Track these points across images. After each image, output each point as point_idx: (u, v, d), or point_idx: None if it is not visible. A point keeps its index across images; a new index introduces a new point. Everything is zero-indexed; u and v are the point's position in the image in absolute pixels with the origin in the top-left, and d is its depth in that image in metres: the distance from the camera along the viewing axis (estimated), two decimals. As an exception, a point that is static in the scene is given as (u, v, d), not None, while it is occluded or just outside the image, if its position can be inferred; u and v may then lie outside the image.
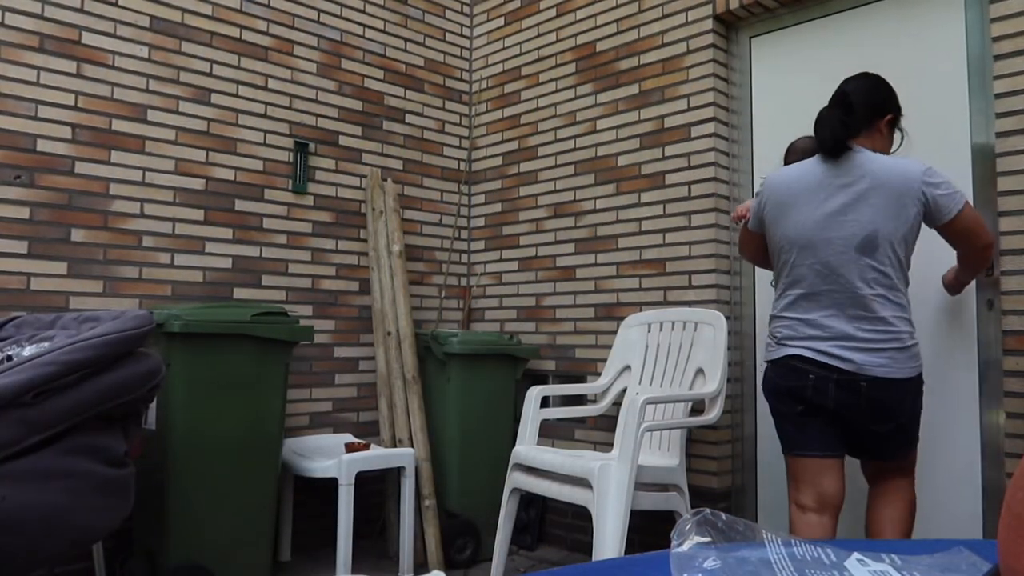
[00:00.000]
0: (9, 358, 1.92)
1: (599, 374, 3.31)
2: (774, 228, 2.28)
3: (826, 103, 2.29)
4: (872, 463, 2.29)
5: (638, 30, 3.41)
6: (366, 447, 3.11)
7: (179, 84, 3.10)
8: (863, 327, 2.10)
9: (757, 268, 3.18)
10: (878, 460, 2.26)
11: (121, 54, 2.95)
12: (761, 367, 3.17)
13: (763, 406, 3.16)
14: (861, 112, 2.22)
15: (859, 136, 2.22)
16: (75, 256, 2.82)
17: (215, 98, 3.19)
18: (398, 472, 3.10)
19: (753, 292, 3.19)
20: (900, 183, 2.10)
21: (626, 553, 2.45)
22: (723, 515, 0.77)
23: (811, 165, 2.24)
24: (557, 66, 3.73)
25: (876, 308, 2.09)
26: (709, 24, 3.17)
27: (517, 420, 3.16)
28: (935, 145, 2.68)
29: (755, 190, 2.44)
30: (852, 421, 2.15)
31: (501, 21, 4.02)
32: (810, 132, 2.29)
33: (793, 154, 2.66)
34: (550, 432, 3.50)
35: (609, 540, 2.42)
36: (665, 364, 3.03)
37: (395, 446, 3.25)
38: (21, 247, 2.71)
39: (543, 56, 3.79)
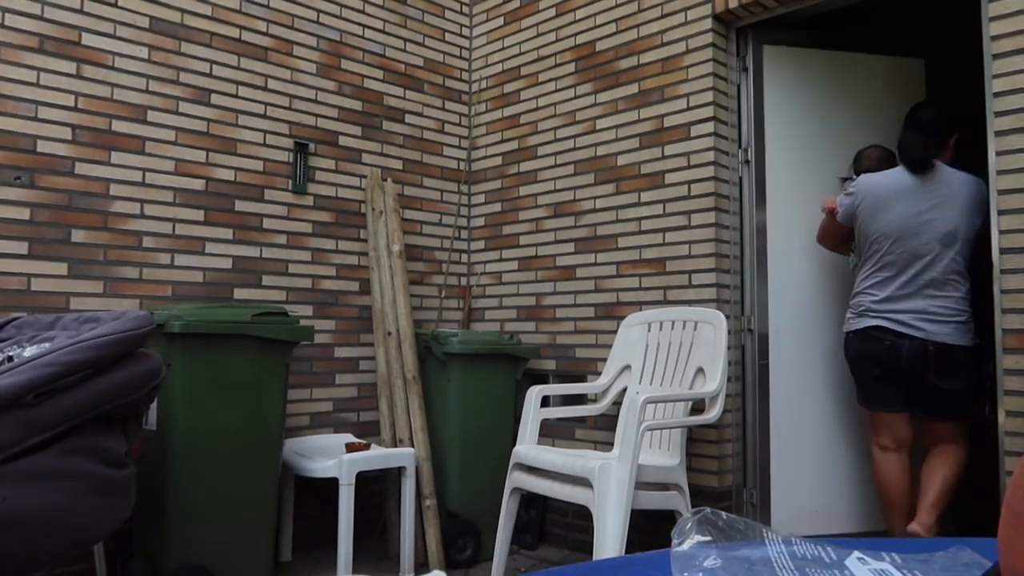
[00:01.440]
0: (10, 359, 1.92)
1: (599, 373, 3.31)
2: (868, 222, 2.84)
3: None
4: (932, 428, 2.81)
5: (637, 29, 3.41)
6: (367, 447, 3.11)
7: (179, 85, 3.10)
8: (934, 304, 2.70)
9: (757, 268, 3.18)
10: (939, 419, 2.76)
11: (121, 55, 2.95)
12: (764, 365, 3.18)
13: (765, 404, 3.17)
14: (938, 135, 2.83)
15: (938, 154, 2.82)
16: (75, 257, 2.82)
17: (215, 98, 3.19)
18: (399, 472, 3.10)
19: (765, 291, 3.19)
20: (975, 193, 2.71)
21: (627, 552, 2.45)
22: (723, 514, 0.77)
23: (901, 173, 2.82)
24: (557, 66, 3.73)
25: (948, 290, 2.70)
26: (708, 23, 3.17)
27: (517, 420, 3.16)
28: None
29: (846, 190, 3.01)
30: (921, 379, 2.73)
31: (500, 21, 4.02)
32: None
33: (867, 159, 3.21)
34: (550, 432, 3.50)
35: (610, 539, 2.42)
36: (665, 363, 3.03)
37: (396, 446, 3.25)
38: (21, 248, 2.71)
39: (543, 56, 3.79)
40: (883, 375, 2.80)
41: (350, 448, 3.05)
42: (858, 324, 2.85)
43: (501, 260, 3.92)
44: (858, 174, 3.23)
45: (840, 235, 3.05)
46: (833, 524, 3.41)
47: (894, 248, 2.77)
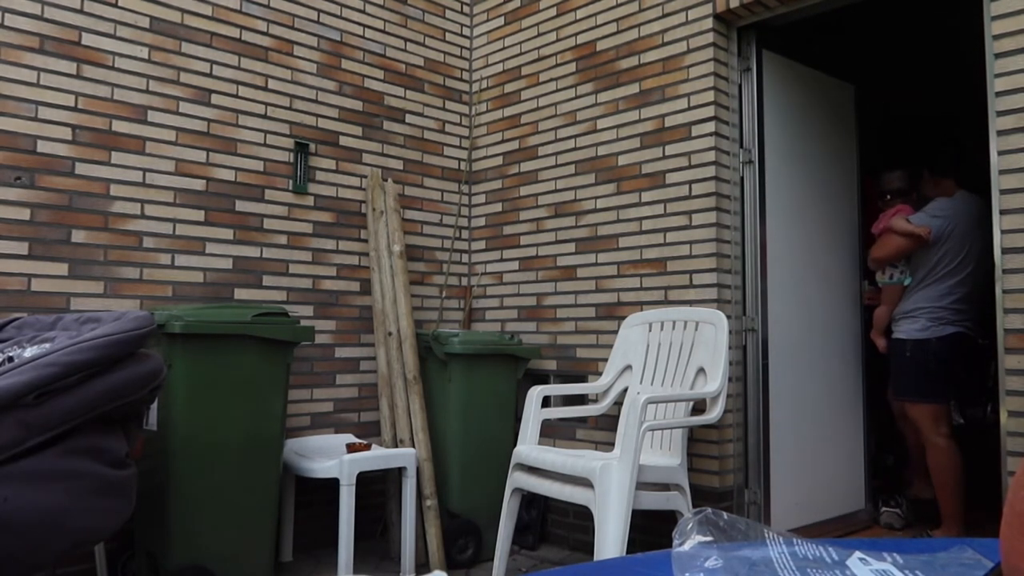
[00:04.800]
0: (10, 359, 1.92)
1: (600, 374, 3.31)
2: (961, 241, 3.32)
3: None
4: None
5: (638, 29, 3.40)
6: (367, 447, 3.11)
7: (179, 85, 3.10)
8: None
9: (758, 268, 3.18)
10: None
11: (121, 55, 2.95)
12: (765, 365, 3.18)
13: (767, 404, 3.17)
14: None
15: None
16: (76, 257, 2.82)
17: (215, 99, 3.19)
18: (399, 472, 3.10)
19: (767, 291, 3.19)
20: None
21: (628, 553, 2.45)
22: (724, 514, 0.77)
23: (967, 199, 3.40)
24: (557, 65, 3.72)
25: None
26: (709, 23, 3.16)
27: (518, 420, 3.16)
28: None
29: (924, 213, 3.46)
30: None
31: (501, 21, 4.02)
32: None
33: (897, 180, 3.71)
34: (551, 432, 3.50)
35: (611, 540, 2.42)
36: (666, 363, 3.03)
37: (396, 446, 3.25)
38: (22, 248, 2.71)
39: (543, 56, 3.79)
40: (949, 372, 3.32)
41: (351, 448, 3.04)
42: (943, 331, 3.30)
43: (502, 260, 3.92)
44: (887, 194, 3.71)
45: (906, 254, 3.45)
46: (829, 509, 3.43)
47: (962, 267, 3.32)
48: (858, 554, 0.74)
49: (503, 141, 3.96)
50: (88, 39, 2.88)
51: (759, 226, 3.21)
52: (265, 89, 3.33)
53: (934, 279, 3.36)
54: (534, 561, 3.28)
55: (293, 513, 3.15)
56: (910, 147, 5.09)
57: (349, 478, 2.80)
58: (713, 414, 2.72)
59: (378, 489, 3.42)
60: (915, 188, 3.70)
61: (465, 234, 4.07)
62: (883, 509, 3.58)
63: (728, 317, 2.98)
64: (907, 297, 3.44)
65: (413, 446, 3.20)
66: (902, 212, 3.51)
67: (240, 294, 3.22)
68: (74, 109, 2.84)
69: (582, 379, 3.49)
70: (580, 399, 3.39)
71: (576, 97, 3.63)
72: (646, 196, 3.32)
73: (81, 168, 2.85)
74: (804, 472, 3.33)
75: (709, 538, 0.74)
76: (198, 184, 3.13)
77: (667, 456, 2.85)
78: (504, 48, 3.99)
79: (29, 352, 1.94)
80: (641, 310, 3.28)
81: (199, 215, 3.13)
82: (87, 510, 1.76)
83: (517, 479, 2.83)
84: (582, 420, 3.43)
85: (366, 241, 3.61)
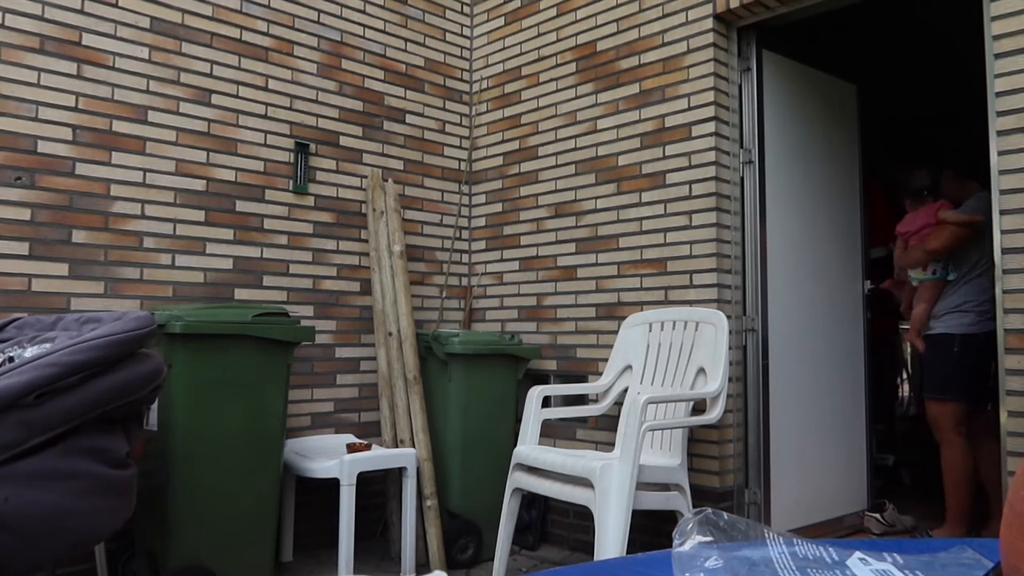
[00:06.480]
0: (11, 359, 1.92)
1: (600, 374, 3.31)
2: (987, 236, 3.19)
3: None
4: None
5: (638, 29, 3.40)
6: (368, 447, 3.11)
7: (179, 85, 3.10)
8: None
9: (758, 268, 3.18)
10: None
11: (121, 55, 2.95)
12: (765, 365, 3.18)
13: (767, 404, 3.17)
14: None
15: None
16: (76, 257, 2.82)
17: (215, 99, 3.19)
18: (400, 472, 3.10)
19: (767, 291, 3.19)
20: None
21: (628, 553, 2.45)
22: (725, 514, 0.77)
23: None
24: (557, 66, 3.73)
25: None
26: (709, 23, 3.16)
27: (519, 420, 3.16)
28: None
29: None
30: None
31: (501, 21, 4.02)
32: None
33: (920, 179, 3.68)
34: (552, 432, 3.50)
35: (611, 540, 2.42)
36: (666, 363, 3.03)
37: (397, 446, 3.25)
38: (22, 248, 2.71)
39: (543, 56, 3.79)
40: (986, 370, 3.21)
41: (351, 448, 3.04)
42: (988, 327, 3.20)
43: (502, 260, 3.92)
44: (916, 193, 3.69)
45: (964, 243, 3.37)
46: (829, 509, 3.43)
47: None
48: (858, 554, 0.74)
49: (503, 141, 3.96)
50: (88, 39, 2.88)
51: (759, 226, 3.21)
52: (265, 89, 3.33)
53: (976, 273, 3.32)
54: (534, 561, 3.28)
55: (293, 513, 3.15)
56: (909, 147, 5.09)
57: (349, 478, 2.81)
58: (713, 414, 2.72)
59: (378, 489, 3.42)
60: (934, 188, 3.69)
61: (465, 234, 4.07)
62: (865, 513, 3.56)
63: (728, 317, 2.98)
64: (952, 292, 3.40)
65: (413, 446, 3.20)
66: (945, 206, 3.50)
67: (240, 294, 3.22)
68: (74, 109, 2.84)
69: (582, 379, 3.49)
70: (580, 399, 3.39)
71: (576, 97, 3.63)
72: (646, 196, 3.32)
73: (81, 168, 2.85)
74: (804, 472, 3.33)
75: (709, 538, 0.74)
76: (198, 184, 3.13)
77: (667, 456, 2.85)
78: (504, 48, 3.99)
79: (30, 352, 1.94)
80: (641, 310, 3.28)
81: (199, 215, 3.13)
82: (87, 510, 1.76)
83: (517, 479, 2.83)
84: (582, 420, 3.43)
85: (366, 241, 3.61)
